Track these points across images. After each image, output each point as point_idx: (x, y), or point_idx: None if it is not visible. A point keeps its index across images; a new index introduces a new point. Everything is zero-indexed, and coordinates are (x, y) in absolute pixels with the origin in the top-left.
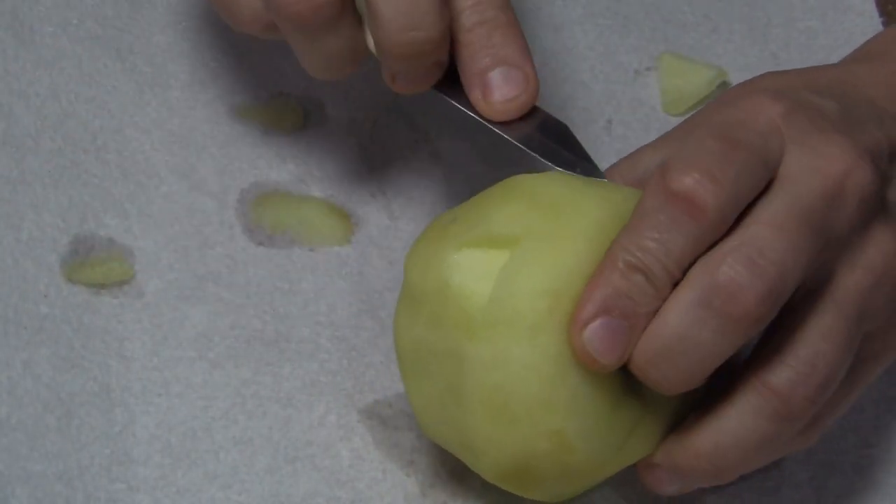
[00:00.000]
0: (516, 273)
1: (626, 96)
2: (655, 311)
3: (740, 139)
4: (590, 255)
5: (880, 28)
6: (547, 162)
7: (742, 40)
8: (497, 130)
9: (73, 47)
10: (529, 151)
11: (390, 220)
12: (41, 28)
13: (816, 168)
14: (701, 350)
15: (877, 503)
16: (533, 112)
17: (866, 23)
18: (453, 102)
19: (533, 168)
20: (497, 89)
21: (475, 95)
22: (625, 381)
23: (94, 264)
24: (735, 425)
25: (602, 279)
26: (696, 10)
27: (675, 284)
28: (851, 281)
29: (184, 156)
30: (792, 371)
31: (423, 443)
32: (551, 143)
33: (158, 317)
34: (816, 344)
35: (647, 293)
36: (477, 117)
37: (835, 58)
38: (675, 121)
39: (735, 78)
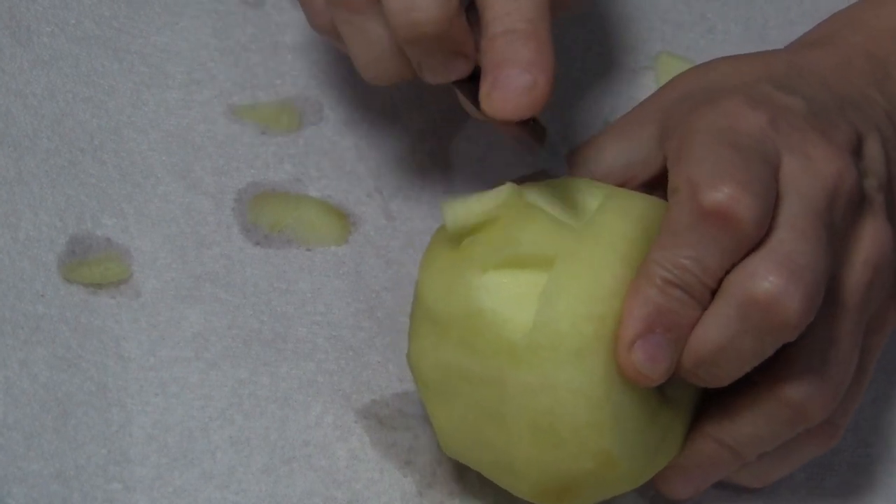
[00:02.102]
0: (557, 297)
1: (623, 96)
2: (697, 319)
3: (750, 147)
4: (625, 272)
5: None
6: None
7: (739, 41)
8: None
9: (70, 47)
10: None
11: (387, 220)
12: (38, 28)
13: (813, 172)
14: (743, 356)
15: (875, 503)
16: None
17: None
18: (462, 97)
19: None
20: (502, 87)
21: (483, 91)
22: (658, 390)
23: (91, 264)
24: (751, 431)
25: (641, 297)
26: (693, 10)
27: (713, 292)
28: (853, 280)
29: (181, 156)
30: (807, 384)
31: (421, 443)
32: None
33: (155, 316)
34: (828, 351)
35: (687, 305)
36: (480, 118)
37: None
38: None
39: None
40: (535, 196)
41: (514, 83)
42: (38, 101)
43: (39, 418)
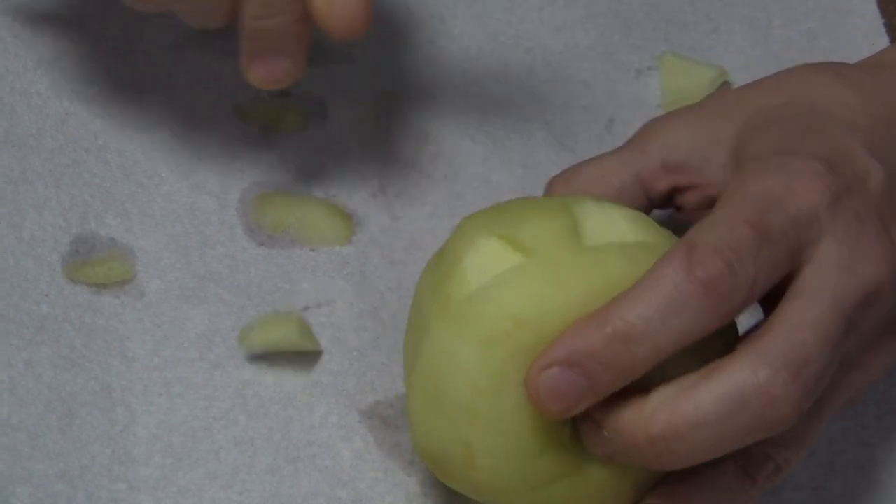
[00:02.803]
0: (504, 284)
1: (627, 96)
2: (619, 387)
3: (774, 228)
4: (582, 303)
5: (882, 29)
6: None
7: (743, 40)
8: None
9: (74, 47)
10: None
11: (391, 220)
12: (42, 27)
13: (853, 270)
14: (723, 440)
15: None
16: None
17: (867, 24)
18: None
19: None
20: (263, 71)
21: (244, 63)
22: (571, 435)
23: (95, 264)
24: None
25: (584, 332)
26: (697, 9)
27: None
28: (858, 378)
29: (185, 155)
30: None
31: None
32: None
33: (159, 317)
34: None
35: (621, 369)
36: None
37: (836, 59)
38: None
39: (736, 78)
40: (586, 207)
41: (276, 66)
42: (42, 100)
43: (44, 418)
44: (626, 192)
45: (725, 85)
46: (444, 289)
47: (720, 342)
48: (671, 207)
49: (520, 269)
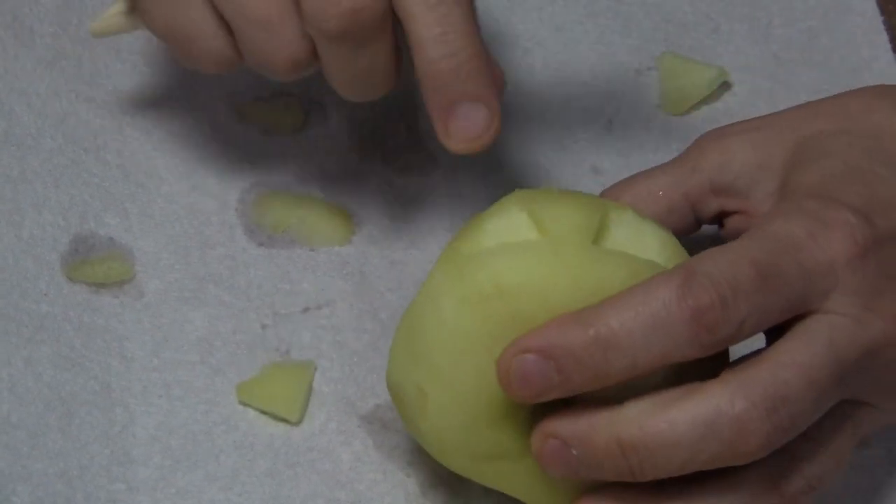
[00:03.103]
0: (504, 253)
1: (626, 96)
2: (590, 387)
3: (779, 274)
4: (567, 295)
5: (881, 28)
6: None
7: (743, 40)
8: None
9: (73, 47)
10: None
11: (391, 220)
12: (41, 28)
13: (862, 321)
14: (693, 460)
15: None
16: None
17: (867, 23)
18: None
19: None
20: (461, 126)
21: (439, 129)
22: (526, 418)
23: (94, 263)
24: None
25: (567, 328)
26: (696, 9)
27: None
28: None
29: (184, 156)
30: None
31: None
32: None
33: (159, 317)
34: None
35: (594, 373)
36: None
37: (836, 58)
38: (675, 121)
39: (736, 78)
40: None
41: (471, 119)
42: (41, 100)
43: (44, 417)
44: (675, 210)
45: (725, 85)
46: (458, 242)
47: (709, 366)
48: (719, 225)
49: (525, 244)
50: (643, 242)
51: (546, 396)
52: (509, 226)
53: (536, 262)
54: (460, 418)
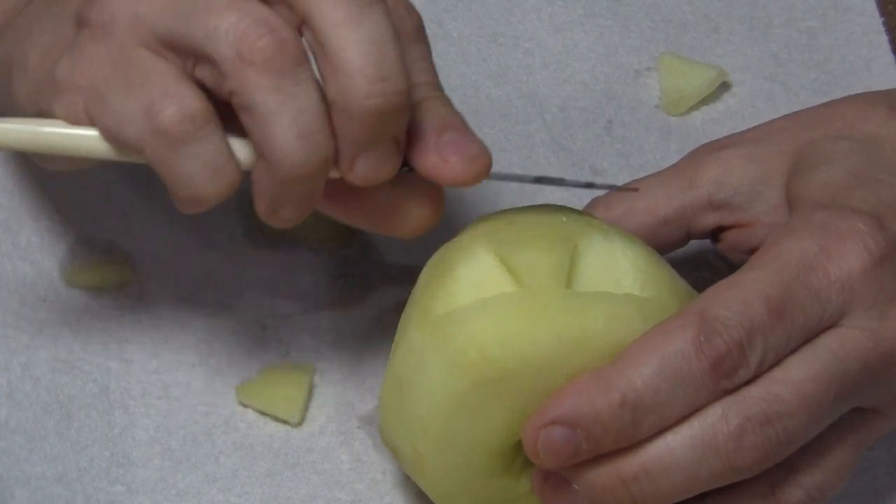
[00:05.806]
0: (482, 310)
1: (626, 96)
2: (624, 445)
3: (792, 307)
4: (552, 350)
5: (881, 28)
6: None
7: (743, 40)
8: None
9: None
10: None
11: None
12: None
13: (879, 333)
14: (695, 482)
15: None
16: None
17: (867, 22)
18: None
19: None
20: (457, 151)
21: (432, 162)
22: (522, 463)
23: (93, 267)
24: None
25: (591, 397)
26: (696, 10)
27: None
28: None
29: None
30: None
31: None
32: None
33: (158, 319)
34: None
35: (625, 434)
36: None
37: (836, 58)
38: (675, 121)
39: (735, 78)
40: (596, 245)
41: (465, 144)
42: None
43: (42, 421)
44: (668, 224)
45: (725, 85)
46: (430, 295)
47: None
48: (710, 240)
49: (501, 299)
50: (616, 268)
51: (576, 461)
52: (480, 274)
53: (515, 319)
54: (460, 474)
